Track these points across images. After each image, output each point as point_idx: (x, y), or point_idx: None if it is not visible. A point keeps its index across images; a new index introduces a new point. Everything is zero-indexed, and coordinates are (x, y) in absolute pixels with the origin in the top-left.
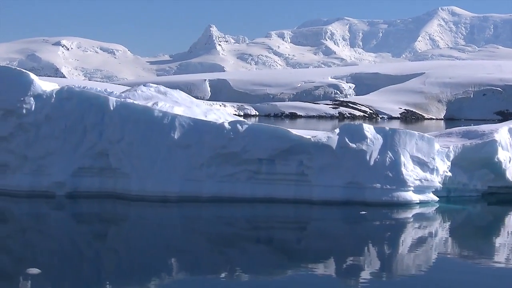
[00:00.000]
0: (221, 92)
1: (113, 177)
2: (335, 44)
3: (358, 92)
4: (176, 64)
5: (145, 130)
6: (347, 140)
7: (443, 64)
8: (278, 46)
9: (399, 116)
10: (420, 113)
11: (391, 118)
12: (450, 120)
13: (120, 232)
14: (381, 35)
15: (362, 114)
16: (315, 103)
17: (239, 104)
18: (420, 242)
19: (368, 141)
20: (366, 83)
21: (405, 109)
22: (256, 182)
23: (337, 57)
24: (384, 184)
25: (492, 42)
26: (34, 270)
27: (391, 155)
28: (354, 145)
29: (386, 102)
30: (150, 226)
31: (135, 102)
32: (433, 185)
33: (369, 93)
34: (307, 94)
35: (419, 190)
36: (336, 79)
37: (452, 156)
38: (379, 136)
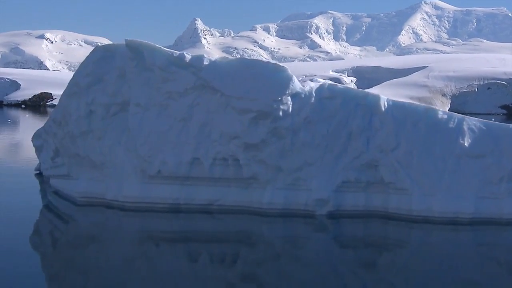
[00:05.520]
0: None
1: (385, 193)
2: (320, 37)
3: (359, 86)
4: None
5: (427, 136)
6: None
7: (446, 57)
8: (264, 40)
9: None
10: None
11: None
12: None
13: (395, 261)
14: (364, 28)
15: None
16: None
17: None
18: None
19: None
20: (367, 76)
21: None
22: None
23: (322, 51)
24: None
25: (475, 36)
26: None
27: None
28: None
29: (390, 96)
30: (435, 254)
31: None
32: None
33: (371, 87)
34: None
35: None
36: (337, 72)
37: None
38: None
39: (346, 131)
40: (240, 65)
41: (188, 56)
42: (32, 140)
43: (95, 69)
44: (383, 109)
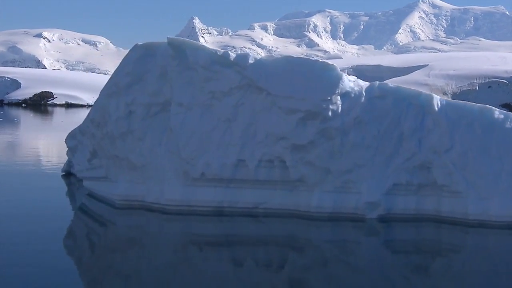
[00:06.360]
0: None
1: (438, 196)
2: (318, 36)
3: None
4: None
5: (483, 136)
6: None
7: (446, 56)
8: (261, 38)
9: None
10: None
11: None
12: None
13: (449, 266)
14: (362, 27)
15: None
16: None
17: None
18: None
19: None
20: (368, 75)
21: None
22: None
23: (320, 49)
24: None
25: (472, 35)
26: None
27: None
28: None
29: None
30: (492, 260)
31: (464, 101)
32: None
33: None
34: None
35: None
36: None
37: None
38: None
39: (397, 131)
40: (286, 64)
41: (232, 55)
42: (65, 141)
43: (135, 68)
44: (436, 109)
